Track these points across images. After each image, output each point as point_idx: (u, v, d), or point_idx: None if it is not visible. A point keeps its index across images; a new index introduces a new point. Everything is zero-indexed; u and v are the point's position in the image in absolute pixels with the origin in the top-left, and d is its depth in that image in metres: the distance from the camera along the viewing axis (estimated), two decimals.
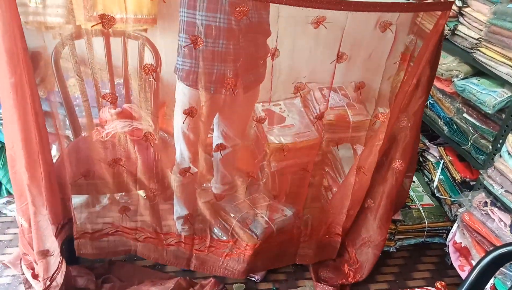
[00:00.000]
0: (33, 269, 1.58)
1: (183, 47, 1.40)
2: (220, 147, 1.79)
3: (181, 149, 1.60)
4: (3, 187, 2.00)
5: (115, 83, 1.88)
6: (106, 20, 1.22)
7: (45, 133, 1.38)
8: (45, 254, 1.53)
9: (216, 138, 1.80)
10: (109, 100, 1.40)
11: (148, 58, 1.69)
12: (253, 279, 1.78)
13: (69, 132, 2.07)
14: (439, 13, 1.31)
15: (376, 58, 1.53)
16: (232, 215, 1.80)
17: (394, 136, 1.60)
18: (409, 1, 1.35)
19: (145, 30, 2.09)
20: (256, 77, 1.53)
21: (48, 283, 1.51)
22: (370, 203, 1.75)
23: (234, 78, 1.42)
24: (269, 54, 1.42)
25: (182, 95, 1.48)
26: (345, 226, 1.81)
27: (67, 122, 1.90)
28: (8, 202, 2.03)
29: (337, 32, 1.29)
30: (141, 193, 1.68)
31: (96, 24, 1.21)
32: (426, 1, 1.38)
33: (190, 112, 1.49)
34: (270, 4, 1.27)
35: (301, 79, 1.54)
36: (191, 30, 1.35)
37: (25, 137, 1.31)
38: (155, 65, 1.47)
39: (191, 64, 1.41)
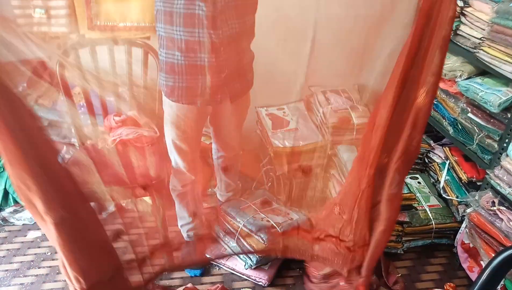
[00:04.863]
0: None
1: (165, 62, 1.36)
2: (221, 158, 1.79)
3: (175, 159, 1.58)
4: (10, 196, 2.01)
5: (119, 91, 1.89)
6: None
7: None
8: None
9: (216, 151, 1.80)
10: None
11: (152, 65, 1.71)
12: (260, 283, 1.77)
13: (74, 140, 2.09)
14: None
15: None
16: (238, 219, 1.80)
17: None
18: None
19: (148, 38, 2.11)
20: (244, 84, 1.51)
21: None
22: None
23: (219, 89, 1.40)
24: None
25: (169, 108, 1.46)
26: None
27: (73, 130, 1.91)
28: (15, 211, 2.04)
29: None
30: (148, 199, 1.69)
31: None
32: None
33: (178, 124, 1.48)
34: None
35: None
36: (170, 46, 1.32)
37: None
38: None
39: (174, 79, 1.37)
